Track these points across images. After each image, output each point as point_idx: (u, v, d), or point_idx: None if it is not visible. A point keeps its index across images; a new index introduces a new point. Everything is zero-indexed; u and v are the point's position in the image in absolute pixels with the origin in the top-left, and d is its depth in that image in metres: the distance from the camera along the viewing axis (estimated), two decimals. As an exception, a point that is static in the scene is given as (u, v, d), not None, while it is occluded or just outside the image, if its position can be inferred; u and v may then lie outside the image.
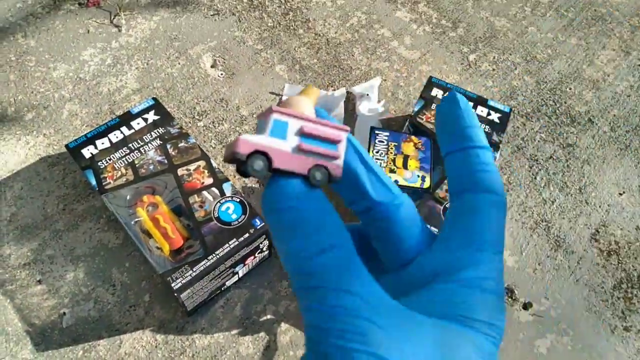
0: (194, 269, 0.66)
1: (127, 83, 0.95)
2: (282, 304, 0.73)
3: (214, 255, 0.67)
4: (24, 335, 0.70)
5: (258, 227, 0.69)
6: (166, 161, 0.75)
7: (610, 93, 0.96)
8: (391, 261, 0.25)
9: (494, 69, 0.99)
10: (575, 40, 1.04)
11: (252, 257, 0.72)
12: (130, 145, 0.77)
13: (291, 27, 1.05)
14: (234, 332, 0.71)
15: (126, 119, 0.80)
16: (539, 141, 0.90)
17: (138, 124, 0.79)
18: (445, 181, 0.73)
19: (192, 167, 0.74)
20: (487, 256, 0.22)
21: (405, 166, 0.72)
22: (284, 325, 0.71)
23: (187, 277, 0.66)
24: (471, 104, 0.82)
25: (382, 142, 0.75)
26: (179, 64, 0.98)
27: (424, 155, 0.75)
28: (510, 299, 0.74)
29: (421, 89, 0.91)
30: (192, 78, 0.96)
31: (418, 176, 0.72)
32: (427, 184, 0.72)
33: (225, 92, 0.94)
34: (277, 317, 0.72)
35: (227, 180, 0.73)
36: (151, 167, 0.75)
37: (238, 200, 0.71)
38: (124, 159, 0.75)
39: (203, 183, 0.73)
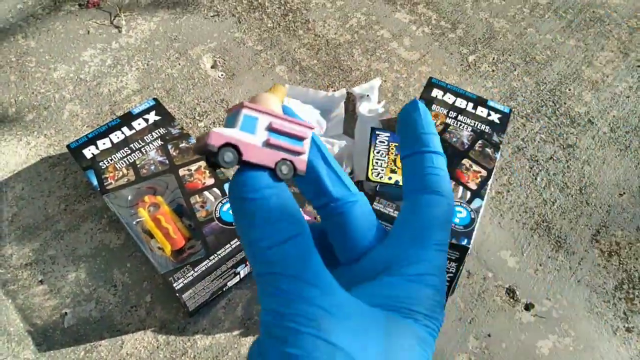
0: (196, 269, 0.66)
1: (127, 84, 0.95)
2: (284, 304, 0.73)
3: (215, 255, 0.67)
4: (25, 336, 0.70)
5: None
6: (167, 161, 0.75)
7: (610, 94, 0.96)
8: (345, 255, 0.26)
9: (493, 70, 0.99)
10: (574, 42, 1.04)
11: (254, 258, 0.72)
12: (132, 145, 0.77)
13: (291, 28, 1.05)
14: (236, 332, 0.71)
15: (127, 119, 0.80)
16: (539, 142, 0.90)
17: (139, 124, 0.79)
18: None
19: (193, 167, 0.74)
20: (430, 253, 0.24)
21: (406, 166, 0.72)
22: (285, 326, 0.71)
23: (188, 277, 0.66)
24: (471, 103, 0.82)
25: (383, 142, 0.75)
26: (179, 64, 0.98)
27: (425, 156, 0.75)
28: (511, 300, 0.74)
29: (421, 89, 0.91)
30: (192, 79, 0.96)
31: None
32: (428, 185, 0.72)
33: (226, 93, 0.94)
34: (279, 317, 0.72)
35: (228, 180, 0.73)
36: (152, 167, 0.75)
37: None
38: (125, 159, 0.75)
39: (204, 183, 0.73)
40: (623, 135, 0.91)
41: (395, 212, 0.67)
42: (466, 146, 0.77)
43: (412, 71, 0.99)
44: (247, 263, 0.72)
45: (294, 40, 1.03)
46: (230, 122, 0.24)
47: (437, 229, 0.24)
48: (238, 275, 0.73)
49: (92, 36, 1.02)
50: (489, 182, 0.74)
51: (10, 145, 0.87)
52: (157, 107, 0.82)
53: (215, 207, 0.71)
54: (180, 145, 0.77)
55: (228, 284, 0.72)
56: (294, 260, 0.21)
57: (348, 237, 0.26)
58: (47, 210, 0.80)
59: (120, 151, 0.76)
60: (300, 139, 0.25)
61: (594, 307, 0.74)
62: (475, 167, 0.75)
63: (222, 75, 0.97)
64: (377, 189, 0.69)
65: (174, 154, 0.76)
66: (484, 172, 0.75)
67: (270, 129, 0.24)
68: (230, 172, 0.84)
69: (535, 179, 0.86)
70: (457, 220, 0.69)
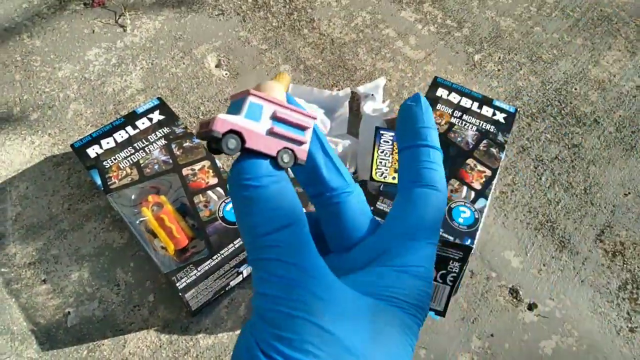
0: (199, 269, 0.66)
1: (131, 83, 0.95)
2: (287, 304, 0.73)
3: (218, 254, 0.67)
4: (29, 335, 0.70)
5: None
6: (171, 161, 0.75)
7: (616, 93, 0.96)
8: (337, 244, 0.27)
9: (499, 69, 0.99)
10: (580, 41, 1.04)
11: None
12: (135, 144, 0.77)
13: (296, 27, 1.05)
14: (238, 332, 0.71)
15: (131, 118, 0.80)
16: (544, 141, 0.89)
17: (143, 123, 0.79)
18: (451, 181, 0.73)
19: (196, 166, 0.74)
20: (420, 246, 0.25)
21: (410, 166, 0.72)
22: (288, 325, 0.71)
23: (191, 276, 0.66)
24: (476, 103, 0.81)
25: (387, 142, 0.74)
26: (184, 63, 0.98)
27: (429, 156, 0.74)
28: (515, 300, 0.74)
29: (426, 89, 0.91)
30: (196, 78, 0.96)
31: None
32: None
33: (230, 92, 0.94)
34: (282, 317, 0.72)
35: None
36: (156, 166, 0.75)
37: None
38: (129, 158, 0.76)
39: (208, 183, 0.73)
40: (629, 135, 0.90)
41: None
42: (471, 146, 0.77)
43: (417, 70, 0.98)
44: (250, 263, 0.72)
45: (298, 39, 1.02)
46: (234, 108, 0.24)
47: (429, 223, 0.25)
48: (241, 275, 0.73)
49: (97, 35, 1.02)
50: (494, 182, 0.73)
51: (14, 145, 0.87)
52: (161, 106, 0.82)
53: (219, 207, 0.70)
54: (184, 145, 0.77)
55: (231, 283, 0.72)
56: (290, 248, 0.22)
57: (342, 226, 0.26)
58: (51, 209, 0.81)
59: (124, 150, 0.76)
60: (302, 128, 0.25)
61: (597, 307, 0.73)
62: (479, 167, 0.74)
63: (226, 74, 0.97)
64: (381, 189, 0.69)
65: (178, 153, 0.76)
66: (488, 172, 0.74)
67: (275, 117, 0.24)
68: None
69: (540, 178, 0.85)
70: (460, 220, 0.69)
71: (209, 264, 0.67)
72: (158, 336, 0.70)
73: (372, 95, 0.91)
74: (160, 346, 0.70)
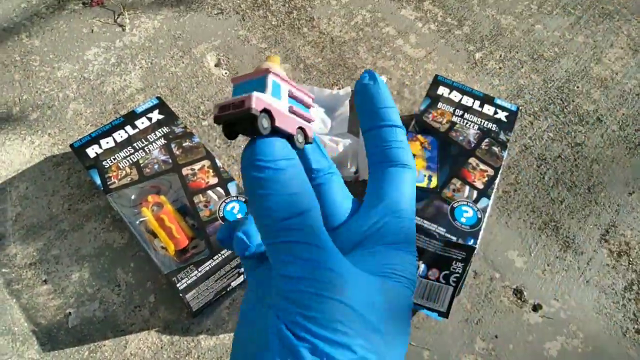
0: (199, 269, 0.66)
1: (131, 82, 0.94)
2: (288, 305, 0.72)
3: (219, 255, 0.66)
4: (30, 335, 0.70)
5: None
6: (171, 161, 0.75)
7: (619, 91, 0.95)
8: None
9: (500, 68, 0.98)
10: (582, 38, 1.03)
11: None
12: (135, 144, 0.76)
13: (295, 26, 1.04)
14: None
15: (130, 118, 0.79)
16: (546, 140, 0.89)
17: (142, 123, 0.79)
18: (452, 180, 0.72)
19: (196, 166, 0.74)
20: (405, 222, 0.26)
21: (412, 165, 0.72)
22: (289, 326, 0.70)
23: (192, 277, 0.65)
24: (478, 101, 0.81)
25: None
26: (183, 63, 0.97)
27: (431, 155, 0.74)
28: (519, 301, 0.73)
29: (427, 87, 0.90)
30: (196, 77, 0.95)
31: (424, 176, 0.72)
32: (433, 184, 0.71)
33: (230, 91, 0.93)
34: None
35: (232, 179, 0.73)
36: (156, 166, 0.74)
37: (243, 199, 0.71)
38: (128, 158, 0.75)
39: (208, 183, 0.72)
40: (632, 134, 0.90)
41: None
42: (473, 145, 0.76)
43: (417, 69, 0.98)
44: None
45: (298, 38, 1.02)
46: (254, 85, 0.23)
47: (407, 199, 0.27)
48: (242, 275, 0.72)
49: (96, 35, 1.02)
50: (496, 181, 0.73)
51: (14, 145, 0.87)
52: (161, 105, 0.81)
53: (219, 207, 0.70)
54: (184, 144, 0.76)
55: (232, 284, 0.72)
56: (312, 230, 0.22)
57: (325, 207, 0.27)
58: (51, 209, 0.80)
59: (124, 150, 0.76)
60: (308, 106, 0.25)
61: (602, 308, 0.73)
62: (482, 166, 0.74)
63: (226, 73, 0.96)
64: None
65: (177, 153, 0.75)
66: (490, 171, 0.74)
67: (291, 96, 0.24)
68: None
69: (543, 177, 0.85)
70: (463, 220, 0.68)
71: (209, 264, 0.66)
72: (159, 337, 0.70)
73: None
74: (161, 347, 0.69)
